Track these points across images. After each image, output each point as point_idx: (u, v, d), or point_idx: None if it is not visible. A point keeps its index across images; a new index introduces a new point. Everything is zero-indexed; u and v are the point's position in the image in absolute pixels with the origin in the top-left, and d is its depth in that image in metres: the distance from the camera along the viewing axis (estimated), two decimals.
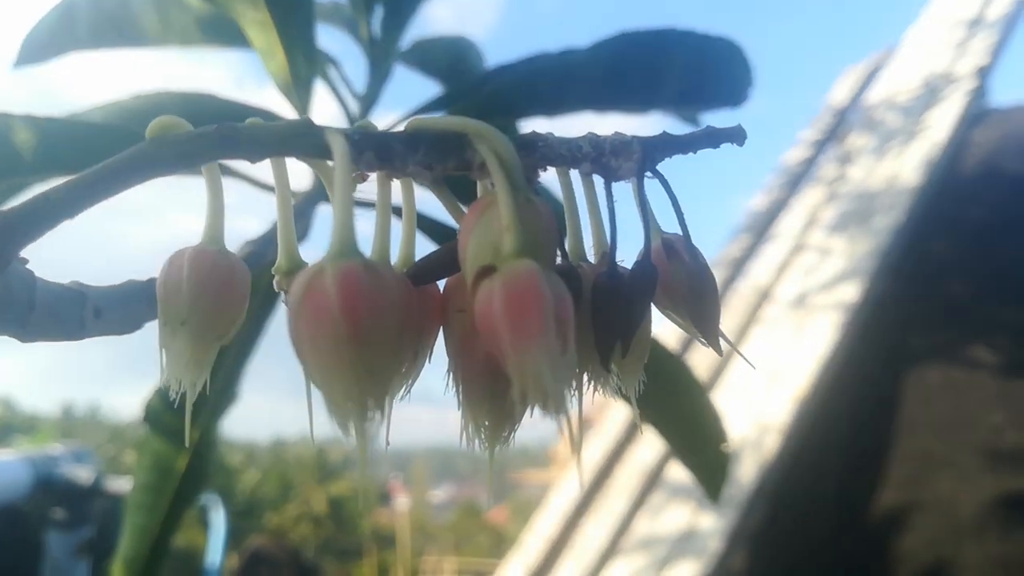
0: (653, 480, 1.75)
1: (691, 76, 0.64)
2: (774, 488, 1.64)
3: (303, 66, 0.65)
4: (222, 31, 0.76)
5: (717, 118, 0.76)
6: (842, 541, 1.67)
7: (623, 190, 0.25)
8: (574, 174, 0.24)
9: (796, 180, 2.42)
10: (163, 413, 0.71)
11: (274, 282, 0.25)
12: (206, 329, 0.23)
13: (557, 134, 0.24)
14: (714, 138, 0.23)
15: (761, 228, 2.33)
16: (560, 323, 0.19)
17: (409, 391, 0.25)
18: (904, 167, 2.13)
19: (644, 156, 0.23)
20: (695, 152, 0.24)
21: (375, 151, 0.22)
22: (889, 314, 1.89)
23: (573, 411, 0.20)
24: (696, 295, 0.24)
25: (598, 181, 0.25)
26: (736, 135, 0.24)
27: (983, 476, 1.59)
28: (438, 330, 0.25)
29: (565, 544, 1.83)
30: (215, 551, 1.93)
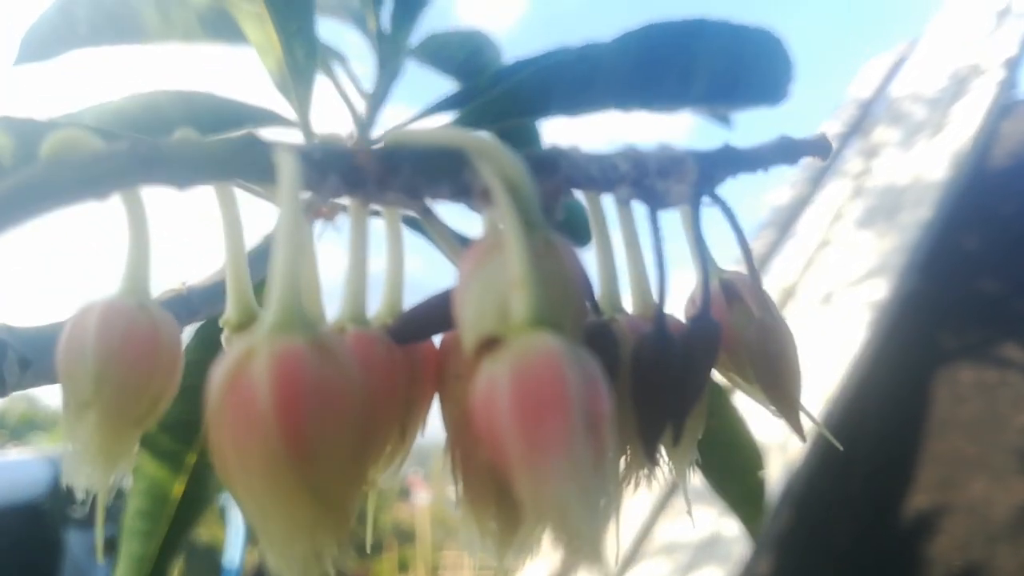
0: (675, 483, 1.70)
1: (725, 71, 0.58)
2: (801, 492, 1.60)
3: (302, 62, 0.60)
4: (224, 26, 0.71)
5: (752, 116, 0.70)
6: (870, 546, 1.62)
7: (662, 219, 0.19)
8: (607, 199, 0.18)
9: (820, 174, 2.35)
10: (156, 434, 0.65)
11: (222, 338, 0.19)
12: (118, 414, 0.17)
13: (583, 147, 0.18)
14: (790, 151, 0.18)
15: (784, 224, 2.26)
16: (593, 425, 0.13)
17: (399, 471, 0.20)
18: (931, 161, 2.07)
19: (701, 177, 0.17)
20: (766, 170, 0.18)
21: (342, 174, 0.16)
22: (919, 312, 1.83)
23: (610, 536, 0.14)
24: (770, 358, 0.18)
25: (635, 207, 0.19)
26: (819, 147, 0.18)
27: (1016, 478, 1.54)
28: (432, 397, 0.20)
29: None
30: (235, 548, 1.91)
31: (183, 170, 0.16)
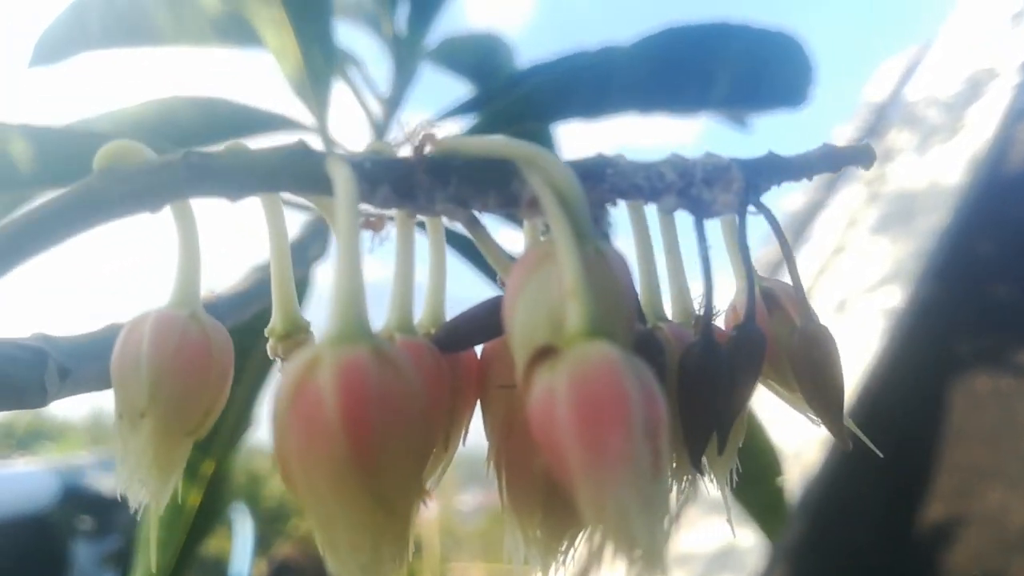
0: (690, 493, 1.69)
1: (745, 74, 0.58)
2: (816, 502, 1.59)
3: (320, 67, 0.61)
4: (237, 30, 0.72)
5: (765, 120, 0.71)
6: (887, 557, 1.60)
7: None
8: (651, 208, 0.19)
9: (834, 179, 2.34)
10: None
11: (268, 347, 0.20)
12: (172, 423, 0.17)
13: (628, 157, 0.18)
14: (834, 160, 0.18)
15: (798, 230, 2.25)
16: (651, 432, 0.13)
17: (439, 482, 0.20)
18: (947, 165, 2.06)
19: (746, 185, 0.17)
20: (809, 178, 0.18)
21: (393, 184, 0.16)
22: (934, 319, 1.82)
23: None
24: (814, 366, 0.18)
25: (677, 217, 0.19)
26: (862, 155, 0.18)
27: None
28: (474, 406, 0.20)
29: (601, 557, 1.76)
30: (241, 559, 1.91)
31: (235, 181, 0.16)
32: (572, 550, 0.17)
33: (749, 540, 1.53)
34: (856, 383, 1.63)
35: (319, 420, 0.13)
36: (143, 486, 0.17)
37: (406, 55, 0.73)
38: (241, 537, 1.94)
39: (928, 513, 1.58)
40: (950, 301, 1.85)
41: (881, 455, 0.19)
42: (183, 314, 0.18)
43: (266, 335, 0.20)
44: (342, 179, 0.15)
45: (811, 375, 0.19)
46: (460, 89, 0.84)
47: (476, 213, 0.17)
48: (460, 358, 0.19)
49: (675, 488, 0.18)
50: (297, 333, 0.20)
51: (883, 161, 2.29)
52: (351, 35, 0.76)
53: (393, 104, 0.72)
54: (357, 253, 0.14)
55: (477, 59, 0.83)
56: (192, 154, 0.16)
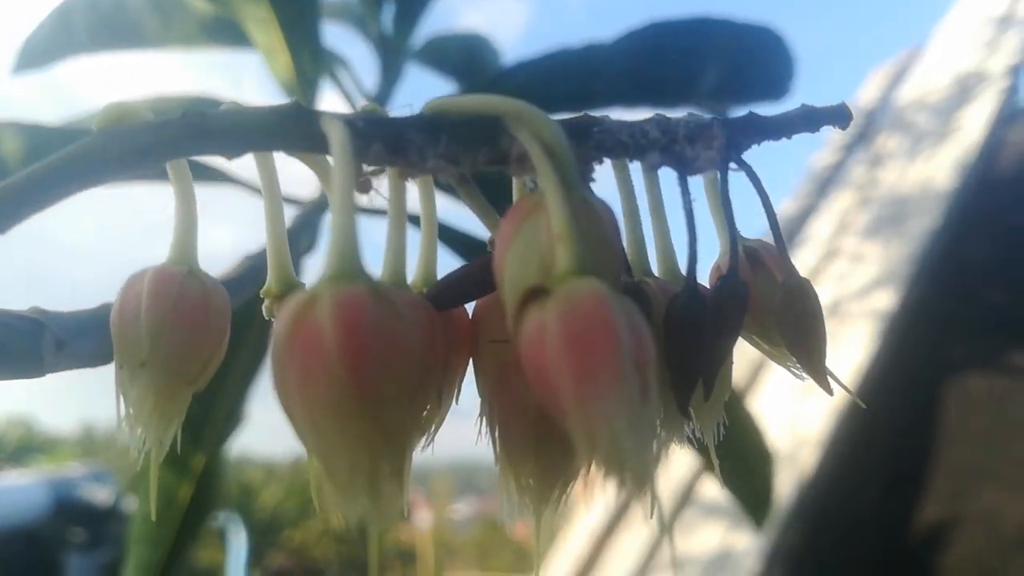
0: (686, 497, 1.69)
1: (728, 68, 0.59)
2: (812, 504, 1.59)
3: (309, 66, 0.61)
4: (225, 31, 0.72)
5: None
6: (883, 558, 1.61)
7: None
8: (635, 167, 0.19)
9: (825, 184, 2.36)
10: None
11: (263, 308, 0.20)
12: (172, 372, 0.18)
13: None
14: (813, 119, 0.18)
15: (790, 234, 2.26)
16: (639, 366, 0.14)
17: (433, 440, 0.20)
18: (937, 169, 2.07)
19: (728, 143, 0.18)
20: (789, 137, 0.19)
21: (385, 142, 0.17)
22: (927, 322, 1.83)
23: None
24: (797, 319, 0.19)
25: (663, 174, 0.19)
26: (839, 115, 0.18)
27: None
28: (467, 364, 0.20)
29: (594, 564, 1.76)
30: (235, 570, 1.91)
31: (232, 139, 0.17)
32: (565, 496, 0.18)
33: (745, 543, 1.53)
34: (850, 386, 1.63)
35: (318, 351, 0.14)
36: (144, 434, 0.18)
37: (392, 55, 0.74)
38: (235, 547, 1.93)
39: (924, 515, 1.58)
40: (943, 303, 1.85)
41: (864, 406, 0.19)
42: (181, 270, 0.19)
43: (261, 296, 0.20)
44: (336, 131, 0.16)
45: (794, 326, 0.19)
46: (446, 88, 0.85)
47: (465, 172, 0.18)
48: (452, 316, 0.20)
49: (668, 437, 0.19)
50: (292, 293, 0.20)
51: (874, 165, 2.30)
52: (338, 36, 0.77)
53: (380, 103, 0.72)
54: (352, 201, 0.15)
55: (462, 58, 0.84)
56: (190, 113, 0.17)
